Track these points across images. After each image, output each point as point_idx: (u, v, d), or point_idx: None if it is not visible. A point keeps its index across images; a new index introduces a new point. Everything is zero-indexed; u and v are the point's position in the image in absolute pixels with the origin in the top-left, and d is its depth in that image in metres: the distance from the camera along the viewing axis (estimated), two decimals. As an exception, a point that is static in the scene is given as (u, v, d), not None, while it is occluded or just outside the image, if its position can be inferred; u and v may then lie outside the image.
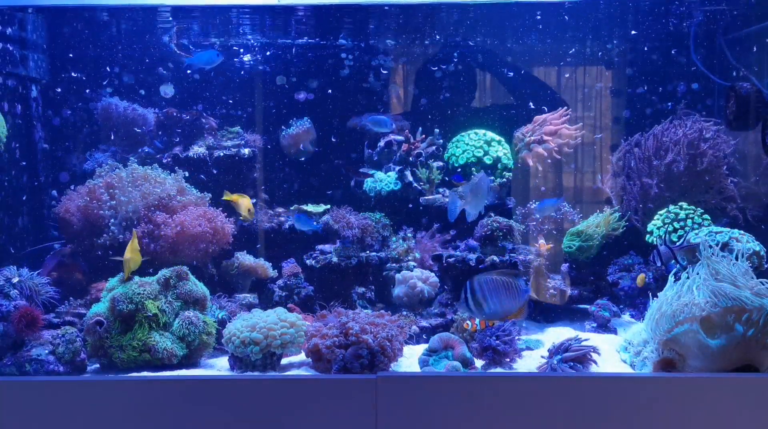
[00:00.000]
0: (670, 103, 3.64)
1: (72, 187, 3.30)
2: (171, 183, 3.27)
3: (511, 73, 3.88)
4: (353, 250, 3.28)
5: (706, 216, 3.13)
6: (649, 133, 3.44)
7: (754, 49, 3.46)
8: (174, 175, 3.33)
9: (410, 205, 3.59)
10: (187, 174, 3.39)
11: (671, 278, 2.46)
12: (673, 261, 2.67)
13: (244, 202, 3.17)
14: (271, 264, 3.38)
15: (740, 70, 3.39)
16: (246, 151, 3.59)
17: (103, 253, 3.14)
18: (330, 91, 3.87)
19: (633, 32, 3.82)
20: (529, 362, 2.68)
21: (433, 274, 3.23)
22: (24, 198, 3.53)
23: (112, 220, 3.15)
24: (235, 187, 3.57)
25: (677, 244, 2.83)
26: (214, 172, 3.54)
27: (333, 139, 3.83)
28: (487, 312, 2.33)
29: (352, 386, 2.14)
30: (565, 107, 3.72)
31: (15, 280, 2.74)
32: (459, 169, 3.61)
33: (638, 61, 3.86)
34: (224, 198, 3.22)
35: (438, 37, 3.93)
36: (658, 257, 2.82)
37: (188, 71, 3.62)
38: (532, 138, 3.67)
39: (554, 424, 2.10)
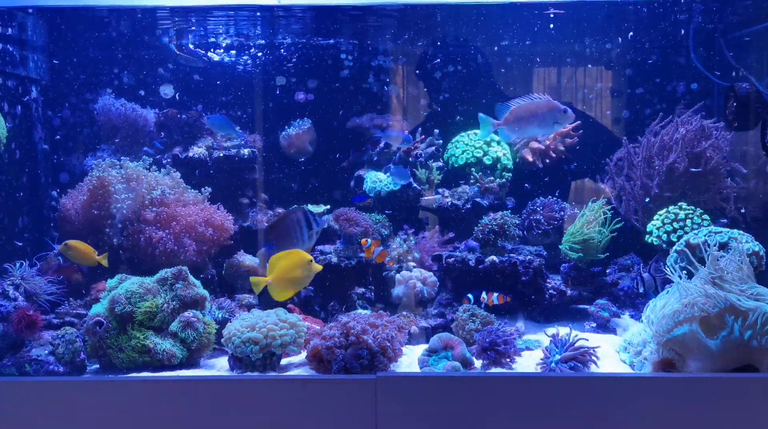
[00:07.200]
0: (669, 104, 3.63)
1: (75, 186, 3.31)
2: (168, 182, 3.28)
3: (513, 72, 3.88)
4: (353, 250, 3.27)
5: (705, 216, 3.12)
6: (649, 131, 3.43)
7: (754, 49, 3.46)
8: (170, 174, 3.34)
9: (410, 206, 3.59)
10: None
11: (675, 285, 2.44)
12: (652, 292, 2.59)
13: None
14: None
15: (740, 70, 3.38)
16: (246, 151, 3.58)
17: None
18: (330, 91, 3.87)
19: (632, 33, 3.81)
20: (528, 362, 2.69)
21: (432, 274, 3.23)
22: (24, 198, 3.52)
23: (110, 222, 3.16)
24: (235, 187, 3.57)
25: (659, 272, 2.78)
26: (214, 172, 3.54)
27: (333, 140, 3.84)
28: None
29: (352, 386, 2.14)
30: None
31: (19, 280, 2.74)
32: (361, 191, 3.62)
33: (638, 62, 3.86)
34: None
35: (438, 37, 3.93)
36: (641, 284, 2.80)
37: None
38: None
39: (554, 424, 2.10)
